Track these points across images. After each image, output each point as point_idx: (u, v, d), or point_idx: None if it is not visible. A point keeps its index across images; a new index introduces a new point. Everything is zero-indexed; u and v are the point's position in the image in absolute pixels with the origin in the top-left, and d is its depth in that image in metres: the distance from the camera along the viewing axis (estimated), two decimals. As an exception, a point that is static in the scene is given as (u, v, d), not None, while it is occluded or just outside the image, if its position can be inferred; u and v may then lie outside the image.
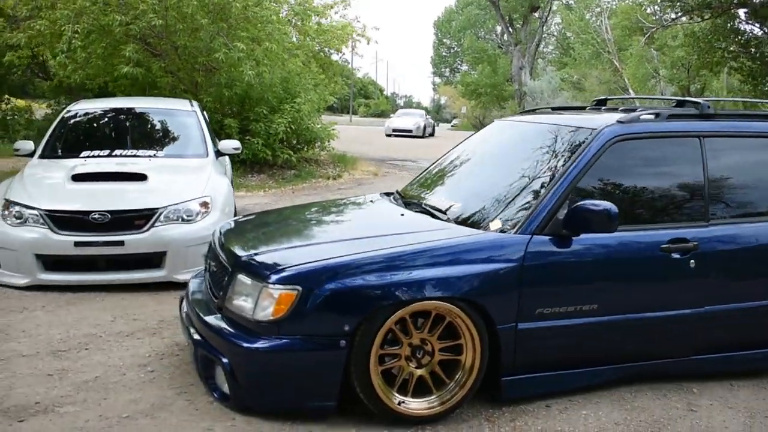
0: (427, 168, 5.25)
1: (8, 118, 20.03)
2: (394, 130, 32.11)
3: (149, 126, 7.39)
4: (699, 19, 27.51)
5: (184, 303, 4.32)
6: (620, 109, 4.77)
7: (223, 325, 3.64)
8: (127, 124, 7.42)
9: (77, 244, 5.63)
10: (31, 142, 7.10)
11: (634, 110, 4.32)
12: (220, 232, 4.40)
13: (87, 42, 11.73)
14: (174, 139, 7.32)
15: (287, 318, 3.40)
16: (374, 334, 3.42)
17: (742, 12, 26.17)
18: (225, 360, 3.53)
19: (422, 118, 34.84)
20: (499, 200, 4.00)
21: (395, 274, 3.48)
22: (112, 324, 4.94)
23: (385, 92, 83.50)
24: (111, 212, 5.70)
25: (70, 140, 7.25)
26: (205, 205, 6.07)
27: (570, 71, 53.21)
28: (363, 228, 4.28)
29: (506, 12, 54.31)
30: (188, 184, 6.28)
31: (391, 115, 39.96)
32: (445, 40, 66.10)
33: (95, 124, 7.45)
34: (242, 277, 3.63)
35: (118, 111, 7.69)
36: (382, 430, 3.49)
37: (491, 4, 54.85)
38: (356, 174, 14.91)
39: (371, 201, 4.90)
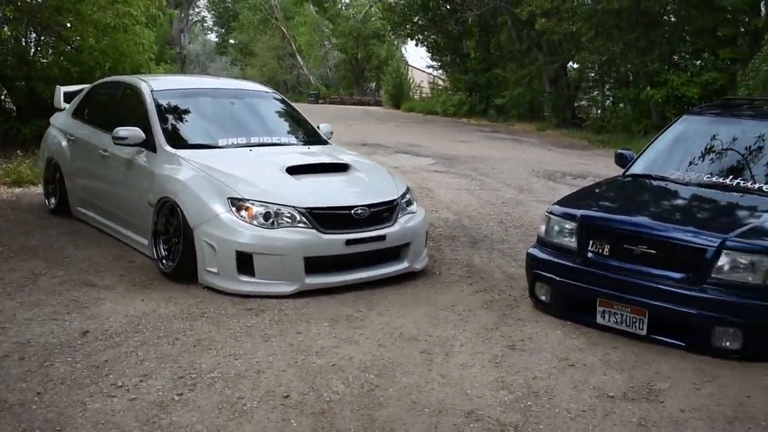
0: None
1: None
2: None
3: (257, 111, 6.67)
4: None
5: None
6: None
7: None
8: (230, 108, 6.57)
9: (348, 242, 5.32)
10: (139, 129, 5.95)
11: None
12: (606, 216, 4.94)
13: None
14: (289, 124, 6.76)
15: None
16: None
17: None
18: None
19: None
20: None
21: None
22: (496, 332, 4.70)
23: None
24: (368, 206, 5.48)
25: (188, 128, 6.24)
26: (409, 192, 6.10)
27: (237, 35, 53.65)
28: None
29: (163, -30, 52.16)
30: (382, 173, 6.19)
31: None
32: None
33: (197, 108, 6.43)
34: None
35: (211, 92, 6.71)
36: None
37: (147, -41, 52.11)
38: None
39: None
